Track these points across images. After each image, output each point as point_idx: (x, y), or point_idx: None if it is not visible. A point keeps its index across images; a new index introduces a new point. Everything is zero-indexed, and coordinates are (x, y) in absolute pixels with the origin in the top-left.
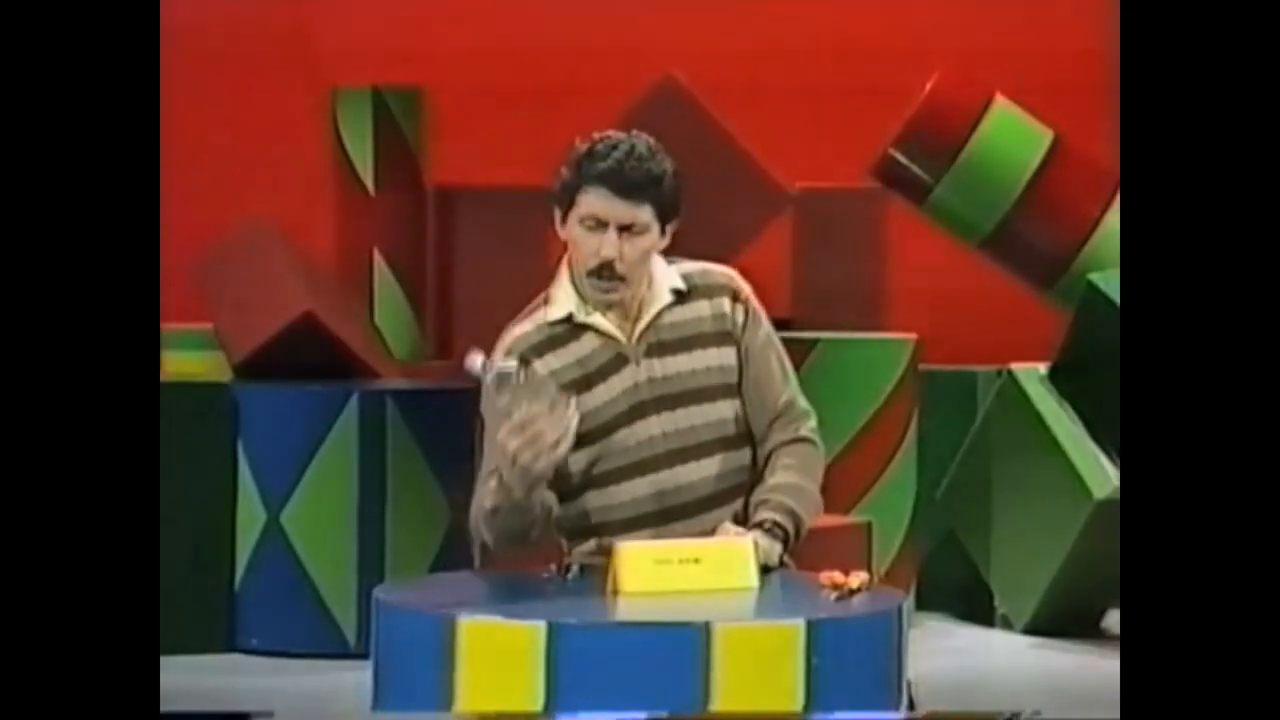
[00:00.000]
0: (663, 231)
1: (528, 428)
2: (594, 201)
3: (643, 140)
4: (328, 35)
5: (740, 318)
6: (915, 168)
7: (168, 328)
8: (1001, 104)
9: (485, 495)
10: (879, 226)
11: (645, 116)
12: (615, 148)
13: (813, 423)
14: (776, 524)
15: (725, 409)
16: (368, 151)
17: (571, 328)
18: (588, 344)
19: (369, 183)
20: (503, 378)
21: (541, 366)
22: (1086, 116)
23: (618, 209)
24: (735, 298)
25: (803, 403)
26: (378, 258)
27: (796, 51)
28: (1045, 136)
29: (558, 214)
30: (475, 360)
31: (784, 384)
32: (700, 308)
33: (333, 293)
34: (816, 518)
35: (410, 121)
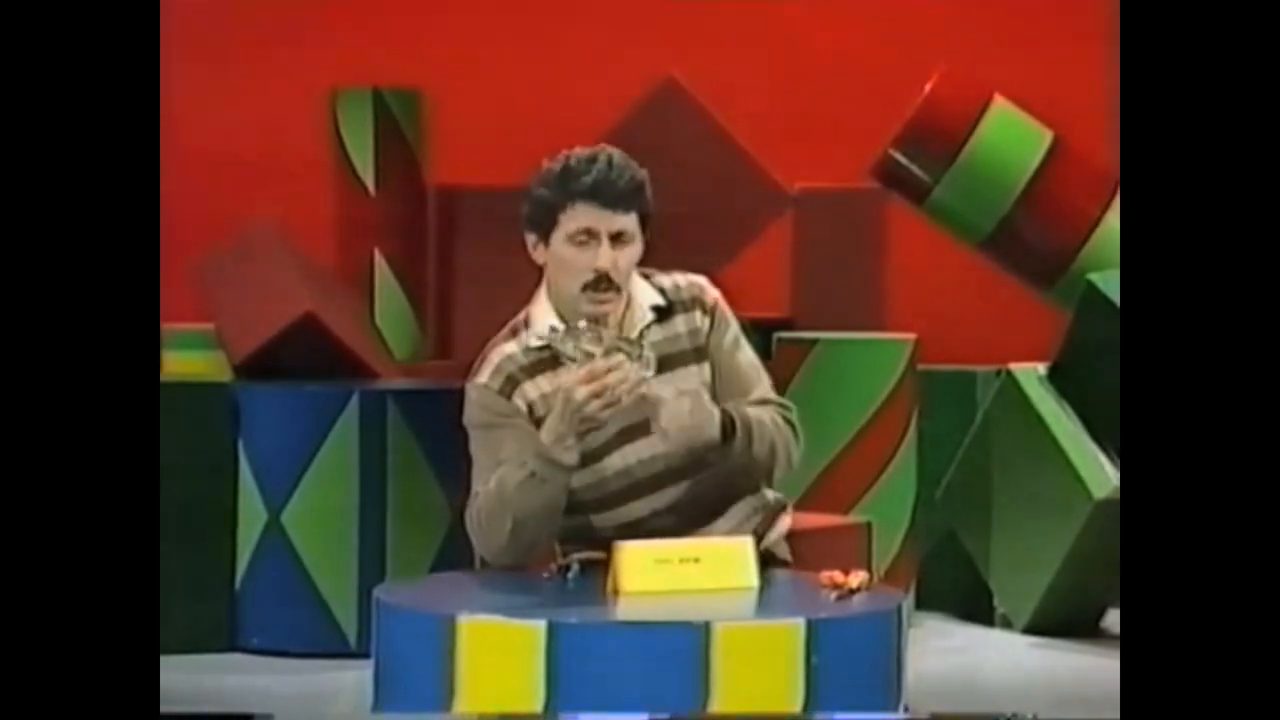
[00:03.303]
0: (643, 239)
1: (599, 378)
2: (584, 216)
3: (615, 152)
4: (328, 35)
5: (707, 326)
6: (915, 168)
7: (168, 328)
8: (1001, 104)
9: (506, 486)
10: (879, 226)
11: (646, 117)
12: (594, 161)
13: (793, 414)
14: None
15: None
16: (368, 151)
17: (554, 353)
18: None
19: (369, 183)
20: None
21: (531, 389)
22: (1086, 116)
23: (609, 220)
24: (705, 309)
25: (779, 398)
26: (378, 258)
27: (796, 52)
28: (1045, 136)
29: (532, 237)
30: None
31: (756, 381)
32: (677, 324)
33: (333, 293)
34: (771, 452)
35: (410, 121)
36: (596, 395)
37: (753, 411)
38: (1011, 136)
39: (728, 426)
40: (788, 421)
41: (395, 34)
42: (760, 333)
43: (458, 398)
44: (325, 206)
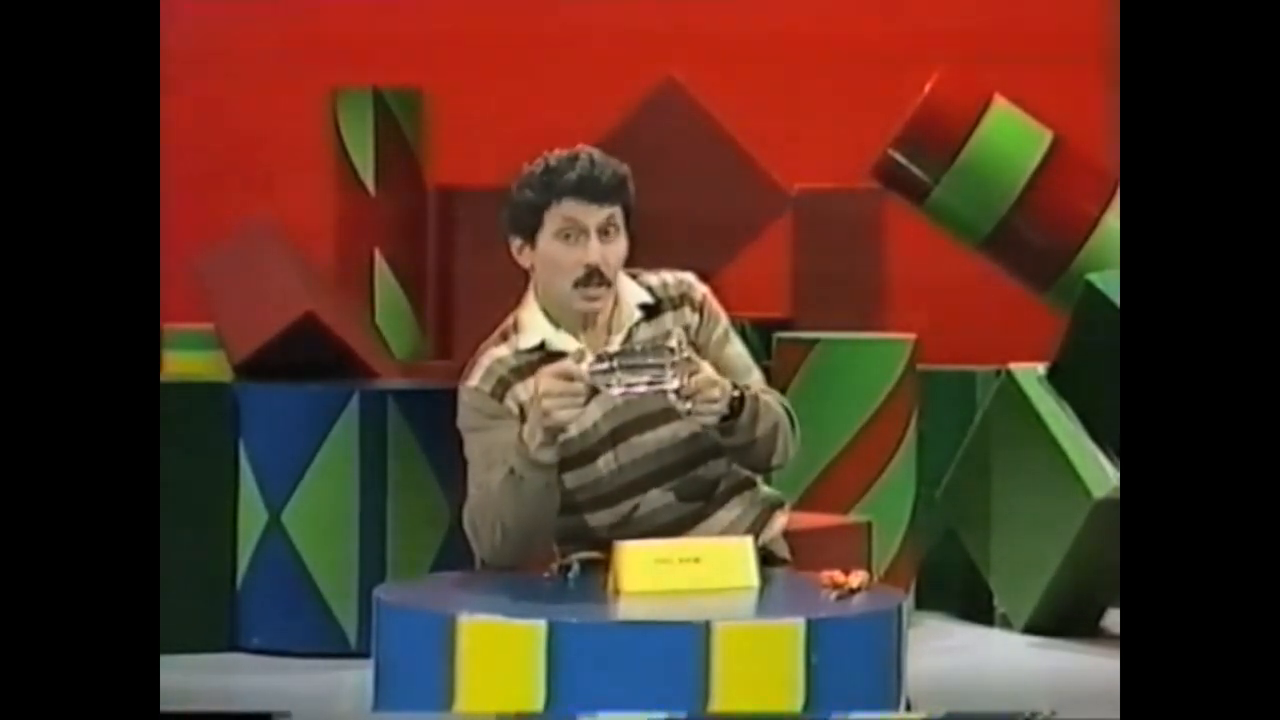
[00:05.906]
0: (627, 235)
1: (568, 378)
2: (570, 211)
3: (594, 149)
4: (328, 35)
5: (696, 322)
6: (915, 168)
7: (168, 328)
8: (1001, 104)
9: (492, 488)
10: (879, 226)
11: (646, 118)
12: (575, 159)
13: (789, 405)
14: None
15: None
16: (368, 151)
17: (545, 355)
18: None
19: (369, 183)
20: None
21: (523, 391)
22: (1086, 117)
23: (595, 214)
24: (694, 306)
25: (773, 390)
26: (378, 258)
27: (796, 52)
28: (1045, 137)
29: (518, 240)
30: None
31: (747, 373)
32: (666, 322)
33: (333, 293)
34: (773, 433)
35: (410, 121)
36: (561, 394)
37: (759, 391)
38: (1011, 137)
39: (735, 402)
40: (786, 409)
41: (395, 34)
42: (760, 333)
43: (457, 398)
44: (325, 206)
